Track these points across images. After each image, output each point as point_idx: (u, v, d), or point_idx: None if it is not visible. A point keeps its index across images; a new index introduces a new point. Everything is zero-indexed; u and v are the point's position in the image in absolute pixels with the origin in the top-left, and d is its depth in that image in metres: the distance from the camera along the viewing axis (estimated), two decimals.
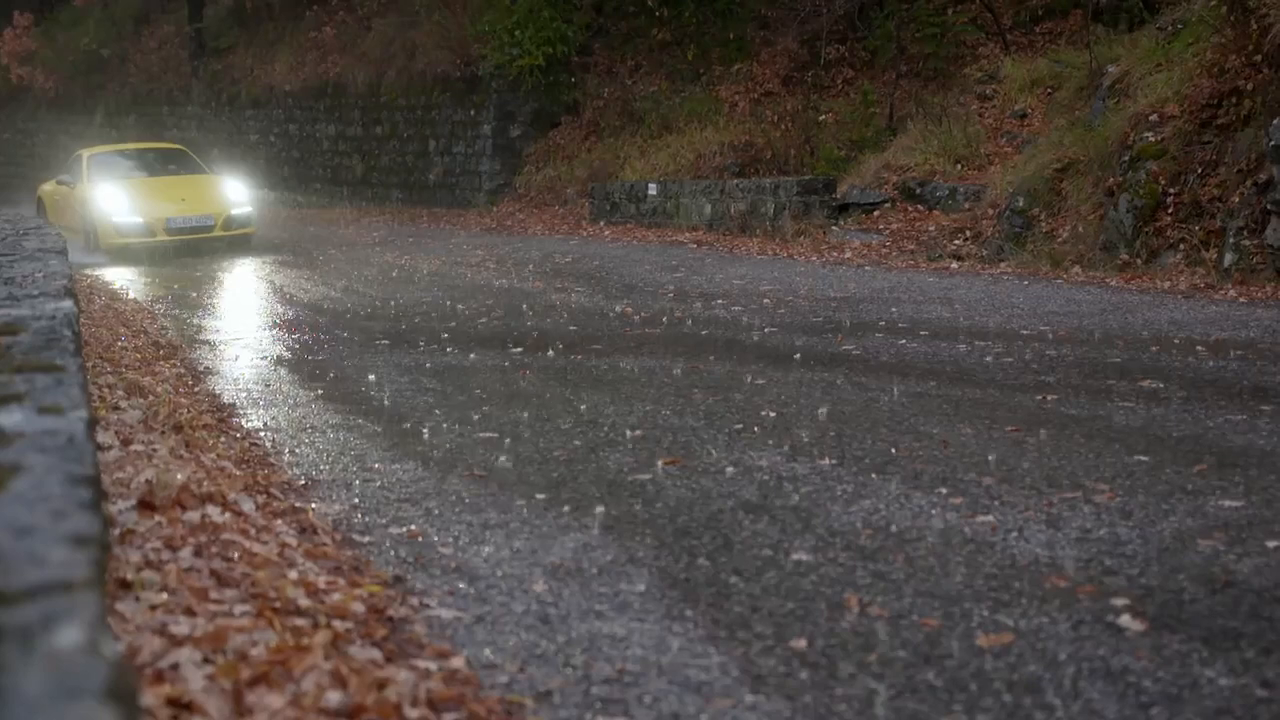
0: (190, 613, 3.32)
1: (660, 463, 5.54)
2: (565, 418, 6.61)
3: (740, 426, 6.19)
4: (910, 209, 15.51)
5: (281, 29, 28.96)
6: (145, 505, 4.18)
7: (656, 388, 7.33)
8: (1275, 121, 10.25)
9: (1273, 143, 10.23)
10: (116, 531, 3.85)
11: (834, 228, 15.72)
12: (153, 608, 3.28)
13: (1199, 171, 11.47)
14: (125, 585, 3.40)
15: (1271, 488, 4.69)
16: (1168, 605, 3.60)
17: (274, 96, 28.19)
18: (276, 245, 18.98)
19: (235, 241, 18.24)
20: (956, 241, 14.01)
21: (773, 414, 6.43)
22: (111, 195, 18.05)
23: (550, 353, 8.64)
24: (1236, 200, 10.87)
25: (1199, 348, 7.63)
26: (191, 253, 17.79)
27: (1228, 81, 11.47)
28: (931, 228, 14.71)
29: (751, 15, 21.14)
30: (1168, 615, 3.53)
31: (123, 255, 17.58)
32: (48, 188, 20.94)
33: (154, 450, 5.11)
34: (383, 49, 25.79)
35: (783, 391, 7.02)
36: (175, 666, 2.89)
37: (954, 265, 13.02)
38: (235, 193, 18.77)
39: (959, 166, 15.73)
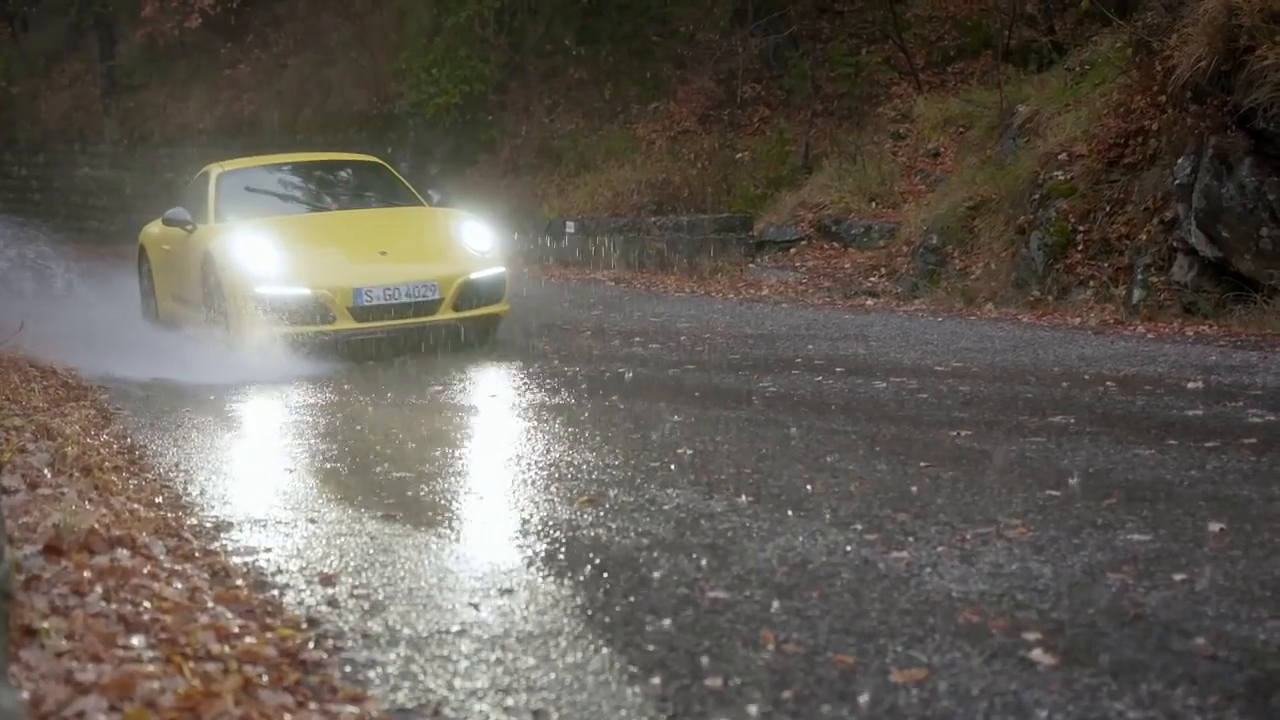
0: (97, 659, 3.26)
1: (577, 501, 5.54)
2: (481, 456, 6.59)
3: (657, 464, 6.19)
4: (826, 246, 15.63)
5: (195, 66, 28.74)
6: (52, 549, 4.12)
7: (574, 426, 7.32)
8: (1180, 161, 10.45)
9: (1177, 181, 10.42)
10: (22, 577, 3.78)
11: (751, 265, 15.81)
12: (58, 655, 3.22)
13: (1107, 210, 11.65)
14: (30, 632, 3.34)
15: (1178, 521, 4.76)
16: (1078, 639, 3.64)
17: (188, 134, 27.93)
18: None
19: (472, 328, 10.74)
20: (872, 278, 14.14)
21: (690, 451, 6.44)
22: (255, 247, 10.33)
23: (466, 391, 8.61)
24: (1144, 238, 11.05)
25: (1108, 383, 7.74)
26: (396, 348, 10.40)
27: (1134, 121, 11.68)
28: (847, 265, 14.83)
29: (668, 54, 21.26)
30: (1078, 649, 3.57)
31: (275, 356, 9.96)
32: (153, 230, 12.99)
33: (62, 493, 5.03)
34: (298, 87, 25.67)
35: (700, 429, 7.04)
36: (81, 715, 2.84)
37: (869, 302, 13.13)
38: (475, 238, 10.98)
39: (874, 204, 15.89)
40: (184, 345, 10.96)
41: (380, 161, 13.32)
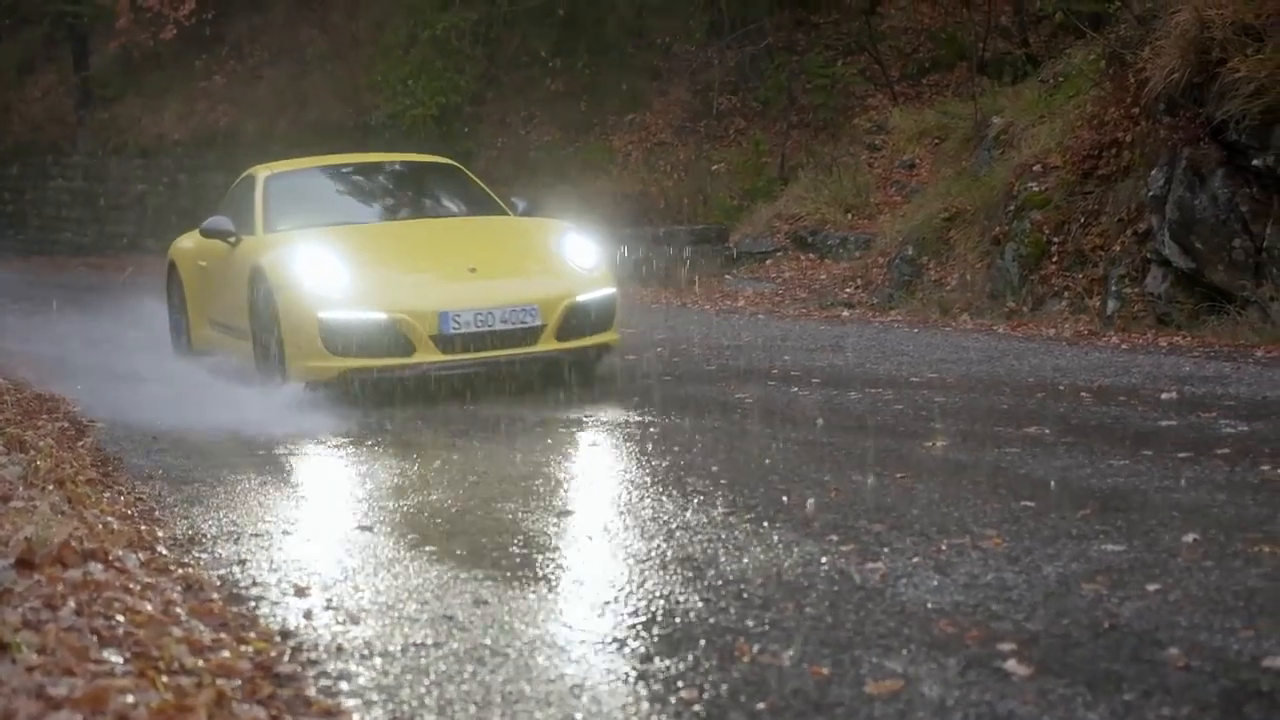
0: (70, 673, 3.24)
1: (551, 512, 5.53)
2: (457, 468, 6.57)
3: (632, 475, 6.19)
4: (802, 257, 15.67)
5: (170, 78, 28.67)
6: (24, 563, 4.09)
7: (550, 437, 7.31)
8: (1153, 172, 10.50)
9: (1151, 193, 10.47)
10: None
11: (727, 276, 15.83)
12: (30, 669, 3.20)
13: (1082, 221, 11.70)
14: (1, 646, 3.32)
15: (1153, 531, 4.78)
16: (1052, 649, 3.65)
17: (163, 146, 27.85)
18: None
19: (578, 361, 9.07)
20: (847, 290, 14.17)
21: (665, 463, 6.44)
22: (317, 262, 8.67)
23: (441, 402, 8.58)
24: (1118, 249, 11.10)
25: (1083, 394, 7.77)
26: (487, 386, 8.78)
27: (1107, 133, 11.73)
28: (823, 276, 14.86)
29: (644, 66, 21.29)
30: (1052, 659, 3.57)
31: (337, 395, 8.49)
32: (186, 244, 11.27)
33: (34, 506, 5.00)
34: (274, 98, 25.62)
35: (675, 440, 7.04)
36: None
37: (845, 313, 13.16)
38: (579, 252, 9.24)
39: (849, 215, 15.93)
40: (217, 382, 9.42)
41: (455, 164, 11.45)
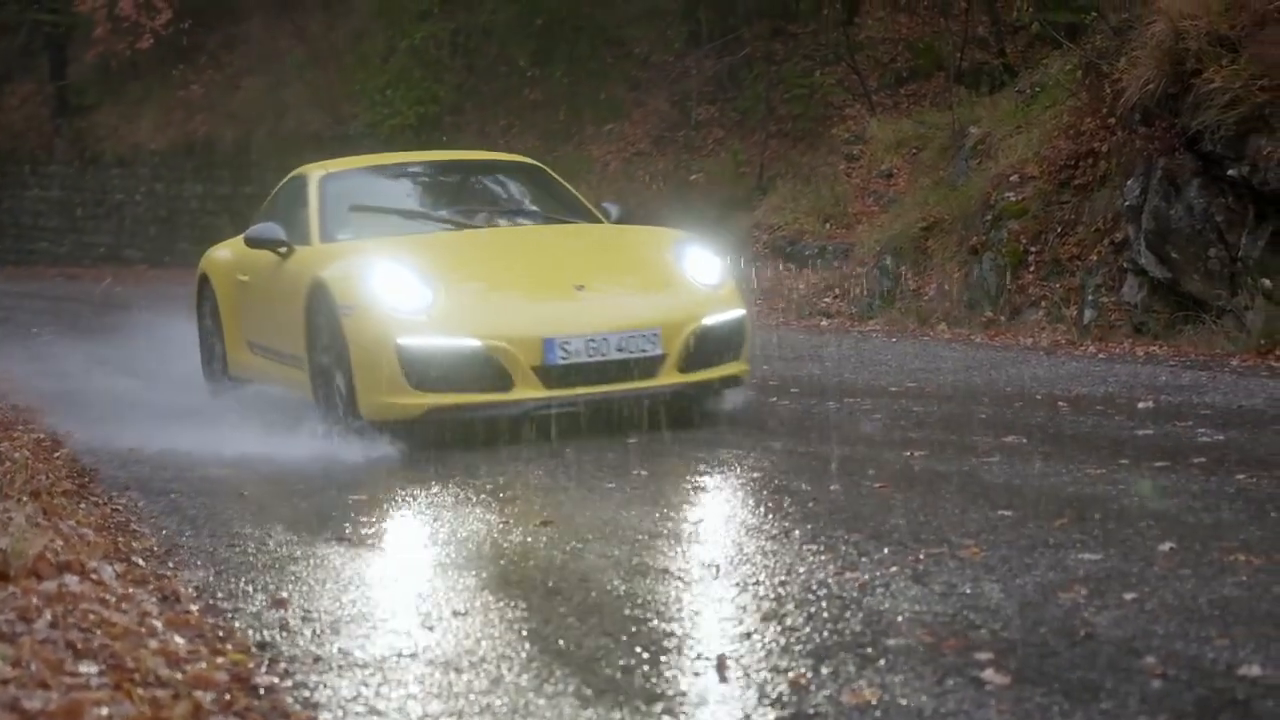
0: (45, 686, 3.23)
1: (532, 522, 5.53)
2: (437, 478, 6.56)
3: (613, 485, 6.19)
4: (780, 267, 15.70)
5: (148, 87, 28.60)
6: None
7: (529, 446, 7.30)
8: (1129, 182, 10.55)
9: (1127, 203, 10.52)
10: None
11: None
12: (4, 682, 3.19)
13: (1058, 231, 11.75)
14: None
15: (1129, 540, 4.79)
16: (1029, 658, 3.66)
17: (140, 155, 27.78)
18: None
19: (701, 395, 7.91)
20: (826, 299, 14.20)
21: (644, 473, 6.44)
22: (394, 278, 7.37)
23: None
24: (1094, 259, 11.15)
25: (1060, 403, 7.79)
26: (597, 424, 7.58)
27: (1084, 143, 11.79)
28: (801, 286, 14.88)
29: (623, 76, 21.31)
30: (1029, 668, 3.58)
31: (421, 436, 7.36)
32: (221, 255, 9.93)
33: (10, 518, 4.98)
34: (252, 108, 25.57)
35: (654, 450, 7.03)
36: None
37: (823, 323, 13.19)
38: (700, 267, 8.00)
39: (827, 225, 15.96)
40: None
41: (538, 164, 10.01)
